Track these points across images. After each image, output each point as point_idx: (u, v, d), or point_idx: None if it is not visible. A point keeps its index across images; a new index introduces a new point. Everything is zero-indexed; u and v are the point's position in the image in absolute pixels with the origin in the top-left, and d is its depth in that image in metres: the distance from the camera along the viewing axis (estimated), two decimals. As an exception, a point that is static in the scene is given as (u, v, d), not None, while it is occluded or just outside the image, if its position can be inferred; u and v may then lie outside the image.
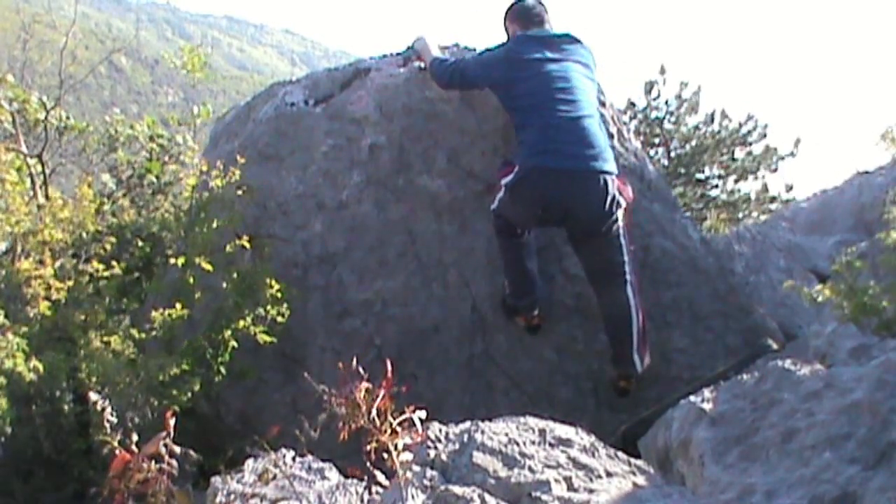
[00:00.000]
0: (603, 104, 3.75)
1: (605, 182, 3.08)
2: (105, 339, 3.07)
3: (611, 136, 3.69)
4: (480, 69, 3.37)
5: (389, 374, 1.64)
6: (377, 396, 1.61)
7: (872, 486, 1.65)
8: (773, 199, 8.60)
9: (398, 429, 1.62)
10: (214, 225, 3.29)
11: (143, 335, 3.11)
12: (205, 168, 3.40)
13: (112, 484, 1.41)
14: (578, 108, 3.16)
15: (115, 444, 1.50)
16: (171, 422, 1.50)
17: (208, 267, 3.14)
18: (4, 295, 3.18)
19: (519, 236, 3.27)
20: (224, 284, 3.25)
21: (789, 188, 8.64)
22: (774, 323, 3.66)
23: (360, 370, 1.67)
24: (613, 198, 3.09)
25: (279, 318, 3.19)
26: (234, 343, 3.15)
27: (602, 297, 3.24)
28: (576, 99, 3.17)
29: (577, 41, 3.37)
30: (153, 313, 3.06)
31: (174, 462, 1.46)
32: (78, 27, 5.37)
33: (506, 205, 3.22)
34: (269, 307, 3.19)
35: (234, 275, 3.26)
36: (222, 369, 3.15)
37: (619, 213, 3.15)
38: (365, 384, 1.63)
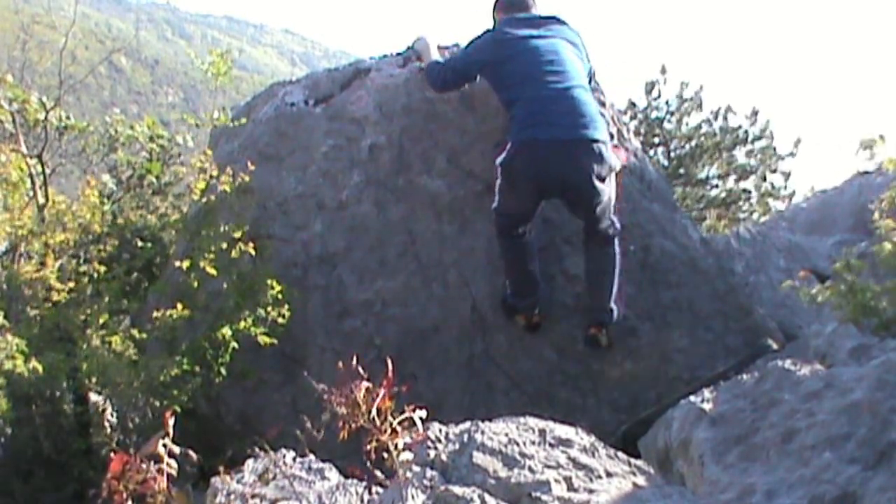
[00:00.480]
0: (603, 104, 3.75)
1: (599, 150, 3.10)
2: (106, 339, 3.06)
3: (611, 136, 3.69)
4: (469, 56, 3.40)
5: (390, 374, 1.64)
6: (377, 396, 1.61)
7: (872, 486, 1.65)
8: (773, 188, 8.59)
9: (398, 428, 1.62)
10: (221, 229, 3.28)
11: (145, 335, 3.11)
12: (215, 172, 3.40)
13: (111, 485, 1.40)
14: (567, 79, 3.19)
15: (114, 445, 1.50)
16: (171, 422, 1.49)
17: (213, 271, 3.14)
18: (5, 296, 3.18)
19: (521, 235, 3.27)
20: (225, 285, 3.24)
21: (787, 176, 8.64)
22: (774, 323, 3.66)
23: (360, 370, 1.66)
24: (608, 165, 3.13)
25: (280, 320, 3.19)
26: (234, 344, 3.15)
27: (589, 250, 3.28)
28: (564, 70, 3.20)
29: (564, 23, 3.41)
30: (156, 313, 3.05)
31: (173, 463, 1.45)
32: (78, 27, 5.36)
33: (503, 190, 3.23)
34: (269, 308, 3.19)
35: (235, 276, 3.26)
36: (222, 370, 3.15)
37: (613, 177, 3.19)
38: (365, 384, 1.63)
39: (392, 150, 3.56)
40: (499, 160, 3.19)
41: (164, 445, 1.45)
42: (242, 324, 3.12)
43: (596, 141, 3.10)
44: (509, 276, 3.32)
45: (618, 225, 3.24)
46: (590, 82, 3.42)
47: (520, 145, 3.11)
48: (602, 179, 3.12)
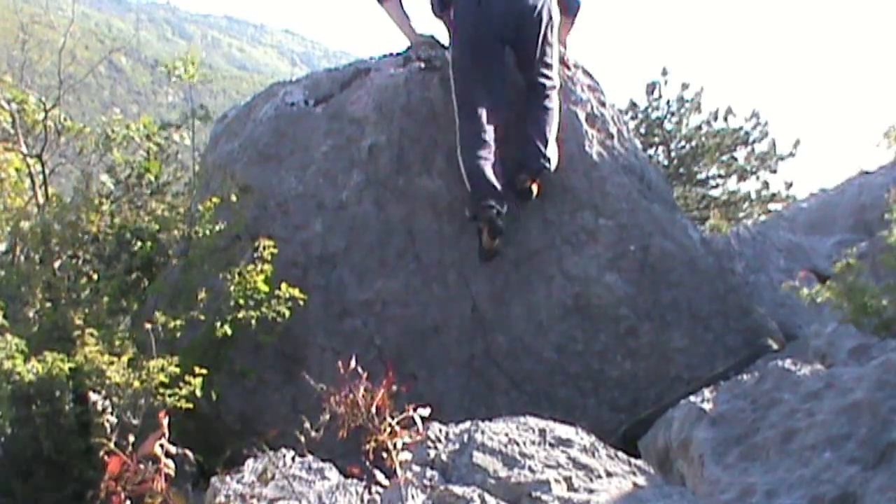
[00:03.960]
0: (603, 104, 3.76)
1: None
2: (105, 339, 3.06)
3: (611, 136, 3.69)
4: None
5: (390, 374, 1.64)
6: (376, 396, 1.61)
7: (872, 486, 1.65)
8: (773, 196, 8.61)
9: (397, 428, 1.62)
10: (217, 228, 3.27)
11: (144, 336, 3.10)
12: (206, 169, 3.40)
13: (109, 486, 1.40)
14: None
15: (111, 445, 1.49)
16: (166, 422, 1.48)
17: (210, 270, 3.13)
18: (4, 295, 3.17)
19: (479, 117, 3.33)
20: (224, 285, 3.24)
21: (789, 185, 8.67)
22: (774, 323, 3.66)
23: (360, 370, 1.66)
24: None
25: (279, 319, 3.18)
26: (233, 344, 3.14)
27: (530, 101, 3.46)
28: None
29: None
30: (157, 315, 3.04)
31: (171, 463, 1.45)
32: (77, 27, 5.36)
33: (454, 41, 3.48)
34: (269, 308, 3.18)
35: (235, 275, 3.25)
36: (222, 369, 3.15)
37: (555, 30, 3.46)
38: (365, 384, 1.63)
39: (392, 151, 3.56)
40: (450, 55, 3.50)
41: (161, 446, 1.44)
42: (242, 323, 3.10)
43: None
44: (467, 174, 3.33)
45: (557, 82, 3.51)
46: None
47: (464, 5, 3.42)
48: (542, 18, 3.38)
